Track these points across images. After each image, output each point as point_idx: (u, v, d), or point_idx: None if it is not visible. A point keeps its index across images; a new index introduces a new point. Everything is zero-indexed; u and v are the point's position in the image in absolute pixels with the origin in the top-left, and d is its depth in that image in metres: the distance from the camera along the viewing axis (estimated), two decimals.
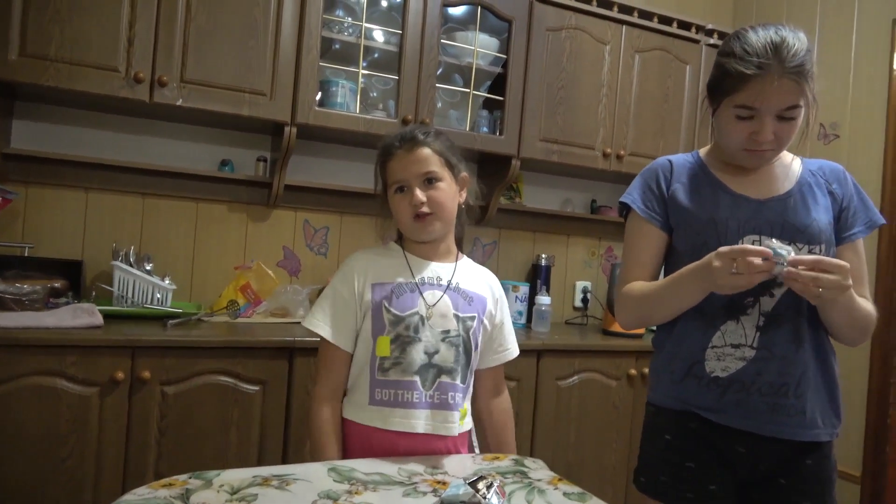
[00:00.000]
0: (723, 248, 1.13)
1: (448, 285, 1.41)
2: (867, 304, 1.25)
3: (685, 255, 1.32)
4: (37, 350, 1.75)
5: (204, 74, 2.13)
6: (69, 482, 1.79)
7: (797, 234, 1.24)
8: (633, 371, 2.50)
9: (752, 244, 1.24)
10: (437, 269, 1.42)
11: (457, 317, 1.39)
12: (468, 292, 1.43)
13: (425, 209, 1.34)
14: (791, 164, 1.34)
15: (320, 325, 1.39)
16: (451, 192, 1.39)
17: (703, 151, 1.40)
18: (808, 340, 1.25)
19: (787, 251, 1.11)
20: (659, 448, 1.35)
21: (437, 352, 1.36)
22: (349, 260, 1.43)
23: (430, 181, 1.36)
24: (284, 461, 2.01)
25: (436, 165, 1.36)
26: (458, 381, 1.38)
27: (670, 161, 1.39)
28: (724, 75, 1.22)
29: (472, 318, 1.41)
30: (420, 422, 1.35)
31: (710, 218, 1.28)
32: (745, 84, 1.17)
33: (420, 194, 1.34)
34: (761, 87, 1.16)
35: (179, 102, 2.10)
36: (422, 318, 1.35)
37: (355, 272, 1.39)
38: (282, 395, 2.02)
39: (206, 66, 2.13)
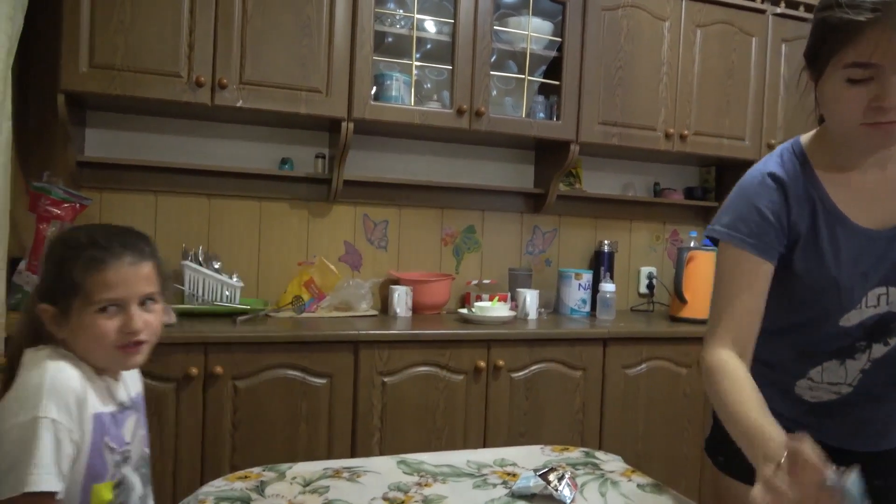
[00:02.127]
0: (769, 476, 0.80)
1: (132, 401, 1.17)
2: None
3: (790, 307, 1.11)
4: None
5: (261, 75, 2.17)
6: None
7: None
8: None
9: (879, 299, 1.05)
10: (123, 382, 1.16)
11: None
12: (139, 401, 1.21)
13: (143, 336, 1.09)
14: None
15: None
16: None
17: (807, 145, 1.09)
18: None
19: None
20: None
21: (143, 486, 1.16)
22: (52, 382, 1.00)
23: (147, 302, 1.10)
24: (353, 453, 2.04)
25: (156, 285, 1.12)
26: None
27: (780, 182, 1.06)
28: (828, 31, 0.94)
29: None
30: None
31: (835, 277, 1.04)
32: (857, 35, 0.90)
33: (139, 318, 1.07)
34: (879, 37, 0.88)
35: (239, 104, 2.15)
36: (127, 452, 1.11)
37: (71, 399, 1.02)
38: (348, 388, 2.04)
39: (263, 66, 2.17)
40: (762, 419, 0.93)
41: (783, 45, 2.78)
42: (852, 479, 0.77)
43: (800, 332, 1.13)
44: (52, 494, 0.94)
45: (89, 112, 2.32)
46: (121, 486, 1.07)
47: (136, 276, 1.07)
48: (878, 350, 1.10)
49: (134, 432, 1.13)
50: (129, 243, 1.08)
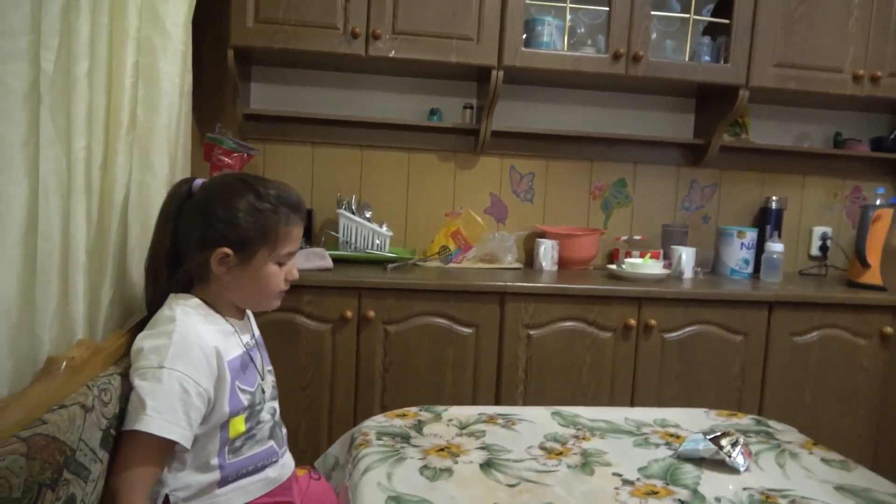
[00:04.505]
0: None
1: (256, 342, 1.25)
2: None
3: None
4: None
5: (413, 25, 2.16)
6: (308, 408, 1.99)
7: None
8: (888, 329, 2.15)
9: None
10: (247, 327, 1.24)
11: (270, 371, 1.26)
12: (261, 341, 1.28)
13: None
14: None
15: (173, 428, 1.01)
16: None
17: None
18: None
19: None
20: None
21: (274, 411, 1.23)
22: (185, 335, 1.06)
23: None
24: (497, 403, 2.04)
25: None
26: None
27: None
28: None
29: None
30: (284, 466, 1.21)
31: None
32: None
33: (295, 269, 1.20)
34: None
35: (392, 54, 2.16)
36: (261, 387, 1.19)
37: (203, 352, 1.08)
38: (494, 338, 2.04)
39: (415, 16, 2.15)
40: None
41: None
42: None
43: None
44: (168, 441, 0.98)
45: (254, 67, 2.44)
46: (253, 417, 1.14)
47: (301, 234, 1.19)
48: None
49: (262, 368, 1.20)
50: (302, 204, 1.19)
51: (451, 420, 1.22)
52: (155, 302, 1.13)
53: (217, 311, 1.15)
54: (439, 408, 1.27)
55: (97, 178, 1.11)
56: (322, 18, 2.13)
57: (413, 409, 1.27)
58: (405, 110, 2.51)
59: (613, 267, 2.30)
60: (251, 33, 2.12)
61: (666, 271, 2.26)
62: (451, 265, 2.32)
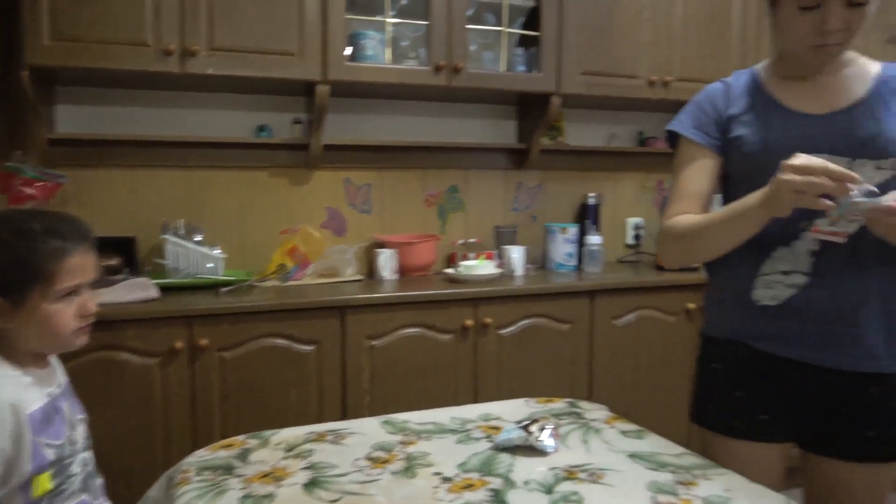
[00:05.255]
0: (798, 160, 0.99)
1: (63, 390, 1.16)
2: None
3: (740, 183, 1.23)
4: (97, 327, 1.79)
5: (232, 40, 2.11)
6: (141, 449, 1.87)
7: (861, 148, 1.13)
8: (691, 305, 2.42)
9: None
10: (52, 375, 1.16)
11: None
12: (69, 388, 1.20)
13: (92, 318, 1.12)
14: (865, 71, 1.19)
15: None
16: None
17: (759, 67, 1.29)
18: (874, 266, 1.14)
19: (872, 200, 0.96)
20: (708, 377, 1.31)
21: (87, 462, 1.16)
22: None
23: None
24: (343, 417, 2.05)
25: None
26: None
27: (725, 83, 1.29)
28: None
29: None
30: None
31: (762, 140, 1.19)
32: None
33: (93, 301, 1.12)
34: None
35: (210, 71, 2.09)
36: (70, 438, 1.12)
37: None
38: (336, 353, 2.04)
39: (233, 31, 2.11)
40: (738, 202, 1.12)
41: None
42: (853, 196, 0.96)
43: None
44: None
45: (59, 88, 2.26)
46: (61, 472, 1.08)
47: (91, 262, 1.12)
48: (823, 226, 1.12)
49: (70, 418, 1.13)
50: (83, 231, 1.11)
51: (278, 444, 1.20)
52: None
53: (13, 362, 1.06)
54: (267, 432, 1.26)
55: None
56: (130, 35, 2.02)
57: (240, 438, 1.24)
58: (232, 127, 2.44)
59: (451, 271, 2.38)
60: (49, 52, 1.96)
61: (499, 271, 2.38)
62: (291, 283, 2.29)
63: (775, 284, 1.18)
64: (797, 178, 0.97)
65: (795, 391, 1.21)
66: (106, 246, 2.13)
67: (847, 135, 1.14)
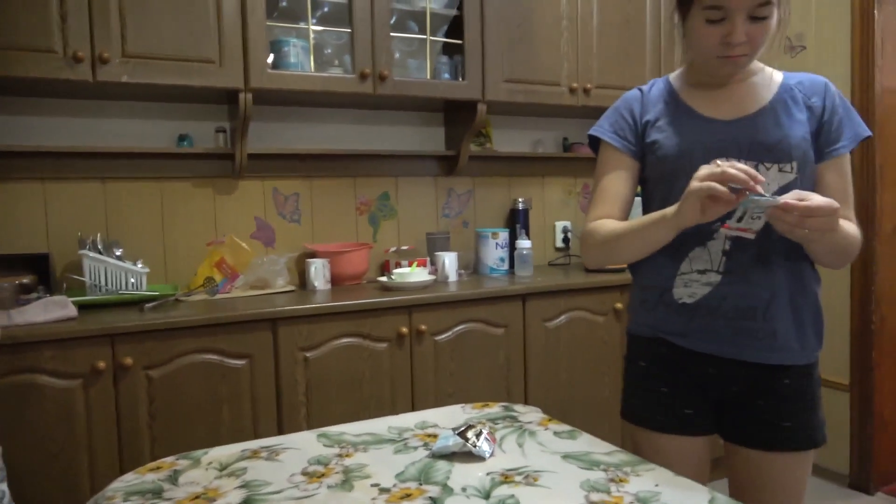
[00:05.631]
0: (701, 171, 1.07)
1: None
2: (851, 228, 1.20)
3: (657, 185, 1.30)
4: (10, 349, 1.71)
5: (146, 47, 2.04)
6: (63, 477, 1.78)
7: (765, 152, 1.21)
8: (618, 305, 2.50)
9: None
10: None
11: None
12: None
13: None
14: (770, 80, 1.28)
15: None
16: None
17: (672, 76, 1.37)
18: (781, 263, 1.22)
19: (770, 198, 1.04)
20: (635, 375, 1.36)
21: (3, 494, 1.21)
22: None
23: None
24: (280, 431, 2.01)
25: None
26: None
27: (641, 90, 1.37)
28: None
29: None
30: None
31: (675, 145, 1.25)
32: None
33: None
34: None
35: (124, 79, 2.01)
36: None
37: None
38: (269, 366, 2.00)
39: (148, 37, 2.03)
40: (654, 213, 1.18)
41: None
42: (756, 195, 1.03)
43: None
44: None
45: None
46: None
47: None
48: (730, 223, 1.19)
49: None
50: None
51: (210, 463, 1.17)
52: None
53: None
54: (198, 452, 1.22)
55: None
56: (35, 41, 1.92)
57: (169, 459, 1.20)
58: (152, 136, 2.35)
59: (384, 279, 2.38)
60: None
61: (432, 277, 2.39)
62: (220, 296, 2.22)
63: (692, 283, 1.24)
64: (702, 184, 1.05)
65: (715, 385, 1.28)
66: (17, 263, 2.04)
67: (753, 139, 1.22)
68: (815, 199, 1.03)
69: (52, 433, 1.76)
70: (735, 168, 1.04)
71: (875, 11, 2.52)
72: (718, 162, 1.09)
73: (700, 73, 1.29)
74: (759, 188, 1.04)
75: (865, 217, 2.56)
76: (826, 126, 1.24)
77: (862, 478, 2.69)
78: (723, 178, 1.04)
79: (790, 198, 1.03)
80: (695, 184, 1.06)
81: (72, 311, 1.88)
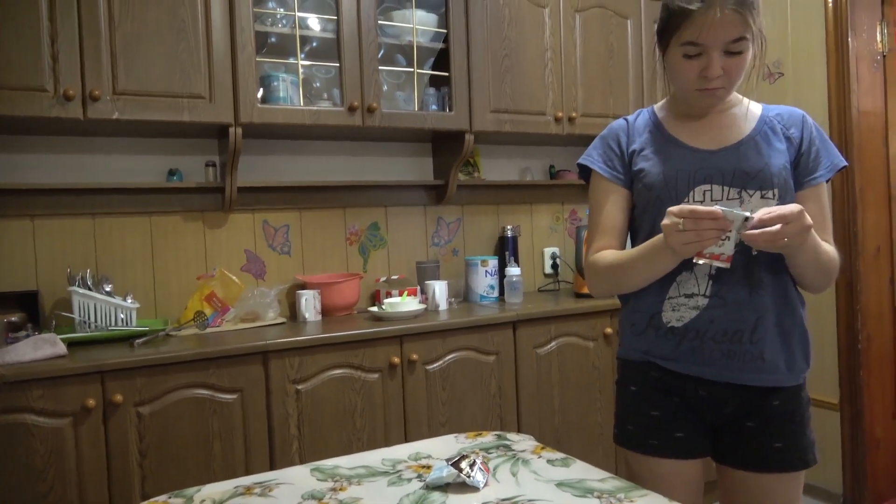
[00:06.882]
0: (672, 208, 1.13)
1: None
2: (831, 249, 1.25)
3: (644, 212, 1.32)
4: None
5: (137, 84, 2.06)
6: None
7: (748, 180, 1.24)
8: (608, 329, 2.52)
9: (704, 194, 1.25)
10: None
11: None
12: None
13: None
14: (749, 111, 1.33)
15: None
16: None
17: (657, 107, 1.41)
18: (767, 286, 1.25)
19: (741, 214, 1.09)
20: (626, 399, 1.37)
21: None
22: None
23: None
24: (272, 466, 1.99)
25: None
26: None
27: (627, 120, 1.41)
28: (670, 15, 1.23)
29: None
30: None
31: (661, 173, 1.29)
32: (689, 20, 1.18)
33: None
34: (705, 21, 1.17)
35: (115, 116, 2.03)
36: None
37: None
38: (261, 400, 1.99)
39: (138, 74, 2.06)
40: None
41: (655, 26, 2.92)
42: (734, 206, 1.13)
43: None
44: None
45: None
46: None
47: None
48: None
49: None
50: None
51: (203, 501, 1.16)
52: None
53: None
54: (191, 490, 1.21)
55: None
56: (26, 80, 1.94)
57: (161, 498, 1.19)
58: (141, 172, 2.37)
59: (375, 309, 2.38)
60: None
61: (422, 306, 2.40)
62: (210, 330, 2.22)
63: (680, 307, 1.27)
64: (674, 220, 1.12)
65: (706, 408, 1.29)
66: (6, 301, 2.04)
67: (735, 168, 1.25)
68: (783, 207, 1.10)
69: (41, 472, 1.74)
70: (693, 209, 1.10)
71: (849, 39, 2.60)
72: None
73: (682, 104, 1.35)
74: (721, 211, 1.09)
75: (848, 238, 2.61)
76: (804, 157, 1.29)
77: (856, 497, 2.69)
78: (690, 214, 1.10)
79: (759, 214, 1.09)
80: (672, 220, 1.12)
81: (61, 348, 1.87)
